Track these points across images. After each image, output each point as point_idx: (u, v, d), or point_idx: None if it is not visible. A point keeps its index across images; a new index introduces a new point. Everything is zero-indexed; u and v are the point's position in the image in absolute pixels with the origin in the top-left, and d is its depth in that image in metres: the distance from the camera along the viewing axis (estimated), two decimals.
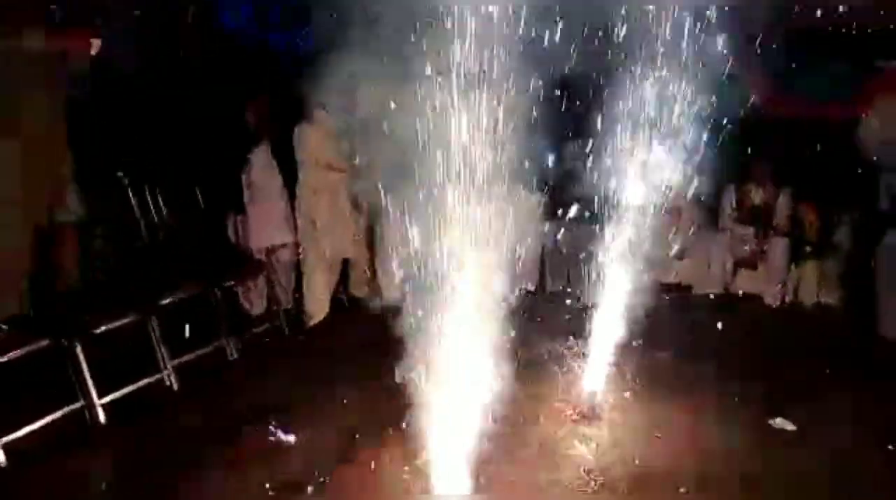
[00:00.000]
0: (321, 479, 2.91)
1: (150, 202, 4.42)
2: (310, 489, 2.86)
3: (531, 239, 5.41)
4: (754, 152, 5.63)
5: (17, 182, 3.39)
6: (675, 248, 5.60)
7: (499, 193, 2.83)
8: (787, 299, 5.45)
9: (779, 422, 3.42)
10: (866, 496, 2.88)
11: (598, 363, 3.69)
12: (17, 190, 3.40)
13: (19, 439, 3.11)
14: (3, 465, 3.02)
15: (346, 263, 5.00)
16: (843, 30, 5.82)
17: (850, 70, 5.87)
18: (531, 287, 5.56)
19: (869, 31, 5.76)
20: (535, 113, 2.84)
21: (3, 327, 3.30)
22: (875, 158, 4.82)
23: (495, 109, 2.73)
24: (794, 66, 5.91)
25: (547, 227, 5.45)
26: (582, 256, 3.98)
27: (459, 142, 2.74)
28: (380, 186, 4.70)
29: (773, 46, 5.87)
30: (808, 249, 5.44)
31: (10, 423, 3.11)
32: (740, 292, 5.61)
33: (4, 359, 3.11)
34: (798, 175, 5.58)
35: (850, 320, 4.90)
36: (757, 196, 5.60)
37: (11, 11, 3.30)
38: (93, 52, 3.51)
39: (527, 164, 2.89)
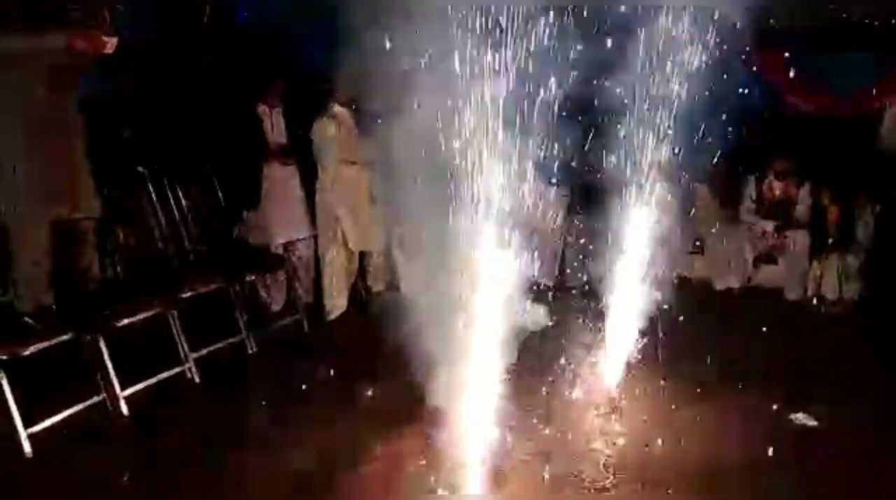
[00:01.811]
0: (338, 473, 2.93)
1: (170, 197, 4.45)
2: (328, 483, 2.87)
3: (551, 233, 5.41)
4: (775, 145, 5.59)
5: (37, 178, 3.43)
6: (695, 242, 5.58)
7: (519, 187, 2.83)
8: (809, 294, 5.39)
9: (801, 417, 3.39)
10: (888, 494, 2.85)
11: (616, 358, 3.68)
12: (38, 186, 3.43)
13: (44, 430, 3.16)
14: (28, 455, 3.07)
15: (363, 256, 5.02)
16: (866, 20, 5.75)
17: (873, 61, 5.81)
18: (550, 281, 5.55)
19: (893, 21, 5.68)
20: (557, 106, 2.83)
21: (30, 321, 3.34)
22: None
23: (517, 101, 2.72)
24: (816, 57, 5.86)
25: (567, 220, 5.44)
26: (601, 250, 3.95)
27: (480, 134, 2.73)
28: (397, 179, 4.73)
29: (795, 38, 5.83)
30: (829, 242, 5.38)
31: (35, 414, 3.16)
32: (761, 287, 5.58)
33: (29, 352, 3.16)
34: (819, 168, 5.52)
35: (874, 314, 4.84)
36: (777, 189, 5.56)
37: (25, 10, 3.33)
38: (109, 51, 3.51)
39: (548, 157, 2.88)
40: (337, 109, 4.71)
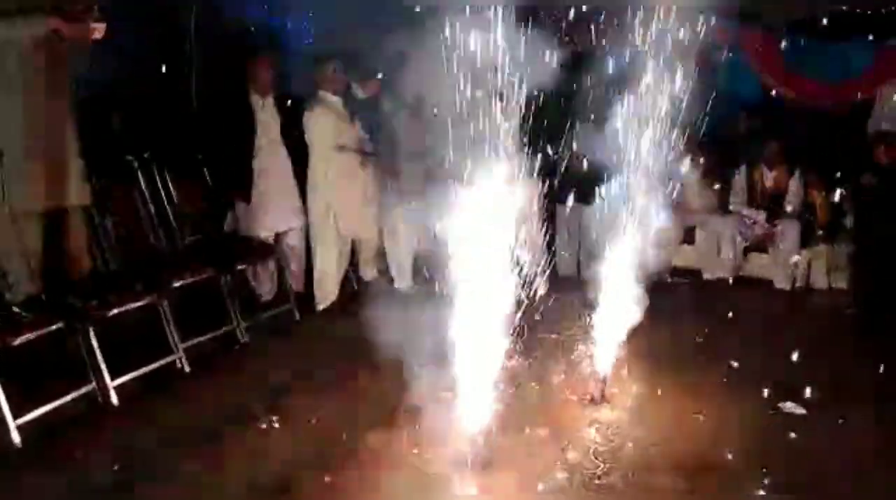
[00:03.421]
0: (330, 462, 2.93)
1: (161, 186, 4.43)
2: (321, 471, 2.87)
3: (541, 223, 5.41)
4: (765, 134, 5.59)
5: (28, 167, 3.40)
6: (685, 231, 5.59)
7: (509, 177, 2.83)
8: (798, 283, 5.42)
9: (789, 406, 3.42)
10: (878, 483, 2.87)
11: (607, 347, 3.69)
12: (29, 175, 3.41)
13: (33, 419, 3.15)
14: (17, 445, 3.06)
15: (355, 245, 5.01)
16: (857, 10, 5.77)
17: (862, 51, 5.83)
18: (541, 271, 5.55)
19: (883, 11, 5.70)
20: (542, 96, 2.83)
21: (18, 311, 3.32)
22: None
23: (504, 92, 2.72)
24: (805, 47, 5.87)
25: (557, 211, 5.44)
26: (592, 239, 3.96)
27: (468, 124, 2.73)
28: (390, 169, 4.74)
29: (785, 27, 5.85)
30: (819, 232, 5.41)
31: (24, 404, 3.15)
32: (751, 276, 5.60)
33: (18, 342, 3.14)
34: (809, 157, 5.54)
35: (862, 303, 4.87)
36: (768, 179, 5.57)
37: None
38: (98, 36, 3.50)
39: (536, 147, 2.88)
40: (329, 96, 4.68)
